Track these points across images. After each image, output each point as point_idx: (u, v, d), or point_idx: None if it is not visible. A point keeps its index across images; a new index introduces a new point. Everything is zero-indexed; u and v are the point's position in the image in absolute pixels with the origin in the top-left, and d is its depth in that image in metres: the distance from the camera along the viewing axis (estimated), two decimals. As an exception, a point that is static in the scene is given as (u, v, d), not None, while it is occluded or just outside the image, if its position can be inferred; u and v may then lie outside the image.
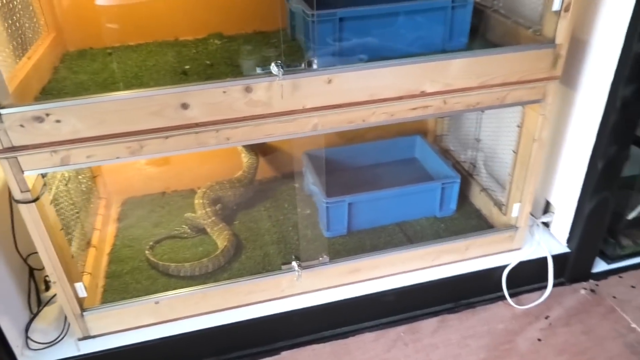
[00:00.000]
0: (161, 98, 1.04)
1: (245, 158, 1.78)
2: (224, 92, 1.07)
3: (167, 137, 1.09)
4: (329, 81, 1.12)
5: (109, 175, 1.77)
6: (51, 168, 1.07)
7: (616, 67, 1.28)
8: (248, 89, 1.08)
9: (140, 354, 1.32)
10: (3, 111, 0.98)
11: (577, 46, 1.37)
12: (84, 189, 1.58)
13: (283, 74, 1.07)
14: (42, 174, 1.15)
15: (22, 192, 1.07)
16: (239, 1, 1.57)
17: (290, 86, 1.10)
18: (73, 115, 1.02)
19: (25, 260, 1.34)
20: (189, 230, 1.64)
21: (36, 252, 1.38)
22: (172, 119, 1.07)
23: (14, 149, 1.03)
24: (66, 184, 1.38)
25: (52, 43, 1.40)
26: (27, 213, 1.09)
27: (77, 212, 1.44)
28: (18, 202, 1.08)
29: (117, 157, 1.09)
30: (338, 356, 1.41)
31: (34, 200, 1.09)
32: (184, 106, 1.06)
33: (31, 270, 1.39)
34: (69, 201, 1.39)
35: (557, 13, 1.21)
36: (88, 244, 1.50)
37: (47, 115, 1.01)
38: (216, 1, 1.56)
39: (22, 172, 1.05)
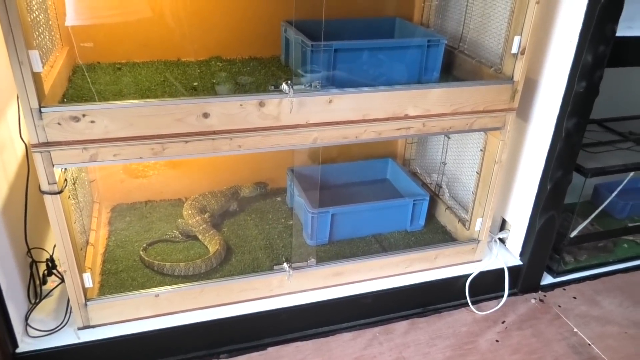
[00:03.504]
0: (186, 107, 1.19)
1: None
2: (241, 105, 1.23)
3: (187, 142, 1.23)
4: (330, 101, 1.31)
5: (102, 181, 1.86)
6: (80, 164, 1.19)
7: (561, 103, 1.53)
8: (262, 104, 1.24)
9: (137, 344, 1.41)
10: (44, 110, 1.10)
11: (529, 85, 1.62)
12: (84, 191, 1.67)
13: (293, 93, 1.24)
14: (63, 170, 1.25)
15: (49, 184, 1.18)
16: (236, 29, 1.74)
17: (297, 103, 1.27)
18: (106, 117, 1.15)
19: (29, 251, 1.42)
20: (180, 235, 1.75)
21: (37, 248, 1.47)
22: (193, 125, 1.21)
23: (48, 144, 1.14)
24: (74, 184, 1.48)
25: (67, 56, 1.52)
26: (51, 204, 1.19)
27: (80, 211, 1.53)
28: (44, 192, 1.18)
29: (141, 157, 1.22)
30: (320, 353, 1.55)
31: (59, 192, 1.19)
32: (205, 115, 1.21)
33: (32, 264, 1.46)
34: (74, 200, 1.48)
35: (515, 55, 1.45)
36: (87, 241, 1.58)
37: (84, 115, 1.13)
38: (215, 28, 1.72)
39: (53, 165, 1.16)
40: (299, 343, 1.57)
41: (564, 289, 1.88)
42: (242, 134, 1.26)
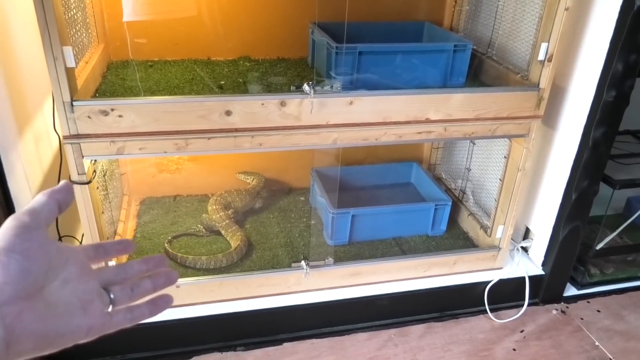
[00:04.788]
0: (209, 104, 1.23)
1: (252, 180, 1.98)
2: (262, 104, 1.26)
3: (209, 138, 1.27)
4: (350, 103, 1.32)
5: (133, 175, 1.93)
6: (107, 156, 1.24)
7: (589, 112, 1.50)
8: (283, 103, 1.27)
9: (157, 332, 1.46)
10: (76, 103, 1.16)
11: (557, 92, 1.60)
12: (114, 183, 1.73)
13: (314, 94, 1.26)
14: (93, 162, 1.31)
15: (79, 174, 1.24)
16: (265, 29, 1.78)
17: (318, 104, 1.29)
18: (133, 112, 1.20)
19: (60, 238, 1.49)
20: (204, 230, 1.80)
21: (68, 235, 1.54)
22: (216, 122, 1.25)
23: (78, 136, 1.20)
24: (104, 176, 1.54)
25: (102, 52, 1.58)
26: (80, 193, 1.25)
27: (109, 202, 1.59)
28: (74, 182, 1.24)
29: (165, 152, 1.26)
30: (335, 351, 1.56)
31: (88, 183, 1.25)
32: (228, 113, 1.25)
33: (63, 252, 1.53)
34: (103, 191, 1.54)
35: (542, 62, 1.43)
36: (115, 232, 1.64)
37: (112, 110, 1.19)
38: (245, 28, 1.76)
39: (82, 157, 1.22)
40: (314, 340, 1.59)
41: (588, 302, 1.84)
42: (263, 132, 1.29)
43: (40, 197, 0.47)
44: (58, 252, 0.45)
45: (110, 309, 0.48)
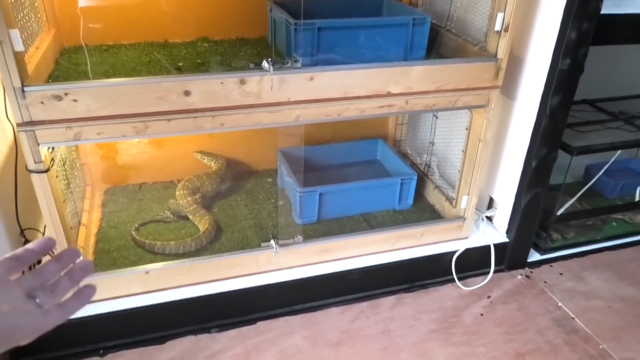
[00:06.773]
0: (167, 85, 1.21)
1: (213, 163, 1.96)
2: (222, 82, 1.25)
3: (169, 120, 1.25)
4: (311, 78, 1.32)
5: (94, 165, 1.89)
6: (64, 142, 1.21)
7: (545, 81, 1.54)
8: (242, 81, 1.26)
9: (128, 319, 1.45)
10: (27, 89, 1.12)
11: (515, 62, 1.63)
12: (75, 173, 1.69)
13: (273, 70, 1.26)
14: (50, 150, 1.28)
15: (35, 162, 1.20)
16: (223, 9, 1.75)
17: (278, 81, 1.29)
18: (88, 96, 1.17)
19: (22, 232, 1.45)
20: (171, 215, 1.78)
21: (31, 228, 1.51)
22: (174, 103, 1.23)
23: (32, 123, 1.16)
24: (63, 165, 1.50)
25: (53, 38, 1.53)
26: (39, 182, 1.22)
27: (71, 192, 1.56)
28: (31, 171, 1.21)
29: (124, 135, 1.24)
30: (308, 326, 1.58)
31: (46, 171, 1.22)
32: (186, 93, 1.23)
33: (25, 244, 1.49)
34: (64, 181, 1.51)
35: (498, 32, 1.46)
36: (79, 222, 1.61)
37: (66, 94, 1.15)
38: (203, 8, 1.73)
39: (38, 144, 1.19)
40: (287, 317, 1.61)
41: (551, 266, 1.91)
42: (224, 111, 1.28)
43: None
44: None
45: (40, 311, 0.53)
